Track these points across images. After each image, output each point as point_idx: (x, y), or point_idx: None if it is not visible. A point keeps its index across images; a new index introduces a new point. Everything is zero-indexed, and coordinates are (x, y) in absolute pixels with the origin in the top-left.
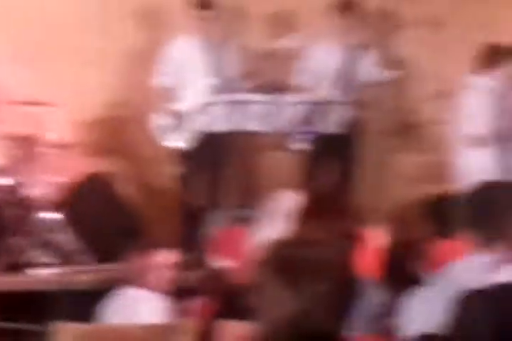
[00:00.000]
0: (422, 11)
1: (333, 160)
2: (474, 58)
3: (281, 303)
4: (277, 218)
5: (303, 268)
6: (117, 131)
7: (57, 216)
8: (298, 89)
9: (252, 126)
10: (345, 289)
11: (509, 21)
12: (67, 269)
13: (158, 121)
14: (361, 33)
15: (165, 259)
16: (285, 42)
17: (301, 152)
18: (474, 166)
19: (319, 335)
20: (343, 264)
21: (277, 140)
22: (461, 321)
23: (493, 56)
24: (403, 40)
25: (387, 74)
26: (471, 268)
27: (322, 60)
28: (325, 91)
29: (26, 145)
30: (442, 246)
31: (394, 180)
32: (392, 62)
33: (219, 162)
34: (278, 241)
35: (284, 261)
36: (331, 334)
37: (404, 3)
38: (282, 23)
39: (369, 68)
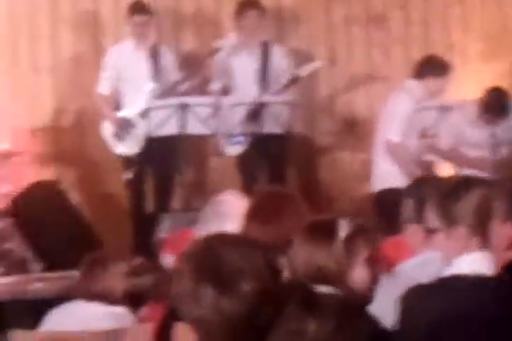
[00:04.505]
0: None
1: (273, 160)
2: (415, 65)
3: (218, 310)
4: (224, 220)
5: (231, 271)
6: (67, 138)
7: (6, 225)
8: (225, 92)
9: (195, 129)
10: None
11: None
12: (20, 278)
13: (106, 127)
14: (266, 31)
15: (119, 267)
16: (215, 45)
17: (241, 153)
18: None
19: (254, 332)
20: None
21: (219, 142)
22: (401, 317)
23: (429, 67)
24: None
25: (304, 68)
26: (424, 263)
27: (241, 61)
28: (253, 92)
29: None
30: (392, 243)
31: (343, 177)
32: (302, 56)
33: (166, 166)
34: (201, 242)
35: (211, 265)
36: (268, 329)
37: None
38: (208, 25)
39: (283, 64)
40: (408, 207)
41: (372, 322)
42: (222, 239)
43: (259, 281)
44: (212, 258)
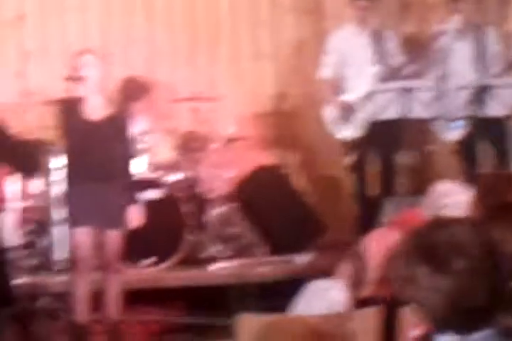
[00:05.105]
0: None
1: (496, 144)
2: None
3: (435, 288)
4: (444, 210)
5: (444, 249)
6: (288, 123)
7: (231, 209)
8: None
9: (417, 113)
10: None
11: None
12: (245, 262)
13: (328, 112)
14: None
15: (355, 249)
16: (439, 28)
17: (463, 137)
18: None
19: (476, 310)
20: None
21: (439, 127)
22: None
23: None
24: None
25: None
26: None
27: (459, 45)
28: (471, 76)
29: (196, 141)
30: None
31: None
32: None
33: (389, 149)
34: (417, 227)
35: (426, 247)
36: (487, 308)
37: None
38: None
39: (497, 48)
40: None
41: None
42: (437, 222)
43: (473, 259)
44: (426, 239)
